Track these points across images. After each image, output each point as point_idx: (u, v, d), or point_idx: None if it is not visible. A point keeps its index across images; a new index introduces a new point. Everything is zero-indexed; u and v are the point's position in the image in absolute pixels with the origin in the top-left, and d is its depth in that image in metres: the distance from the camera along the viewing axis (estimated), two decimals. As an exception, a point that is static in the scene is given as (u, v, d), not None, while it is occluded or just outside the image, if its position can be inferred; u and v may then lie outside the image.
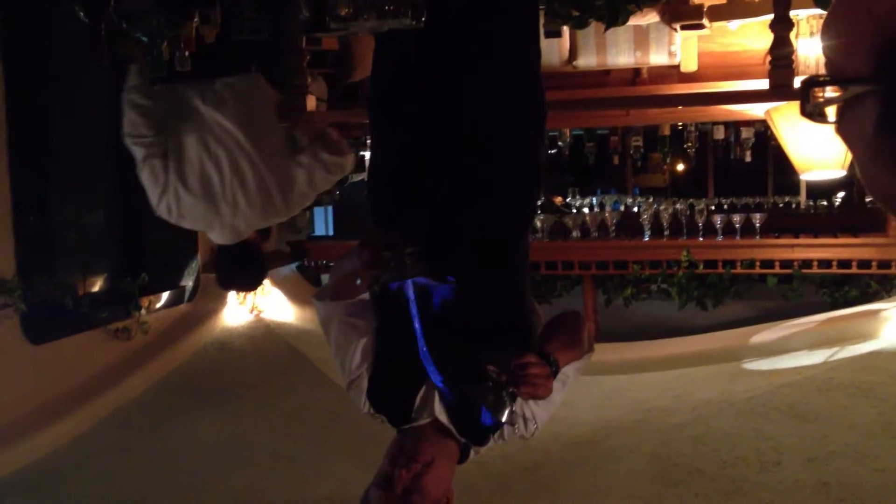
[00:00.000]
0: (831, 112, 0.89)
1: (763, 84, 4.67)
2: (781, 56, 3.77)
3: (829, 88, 0.89)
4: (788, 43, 3.81)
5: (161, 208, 3.75)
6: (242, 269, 3.97)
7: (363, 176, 7.95)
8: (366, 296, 2.18)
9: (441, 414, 2.19)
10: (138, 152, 3.60)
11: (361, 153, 7.60)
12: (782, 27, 3.80)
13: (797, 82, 3.86)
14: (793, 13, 4.04)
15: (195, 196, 3.65)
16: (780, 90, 3.81)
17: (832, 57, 0.91)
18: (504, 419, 2.05)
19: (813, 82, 0.92)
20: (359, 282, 2.10)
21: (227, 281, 4.23)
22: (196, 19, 3.66)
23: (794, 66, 3.86)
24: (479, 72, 2.30)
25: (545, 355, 2.11)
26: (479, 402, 2.06)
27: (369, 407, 2.29)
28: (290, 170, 3.73)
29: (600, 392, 4.84)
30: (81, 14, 3.46)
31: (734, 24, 5.23)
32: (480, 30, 2.30)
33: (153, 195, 3.70)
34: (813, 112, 0.90)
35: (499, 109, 2.30)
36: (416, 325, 2.13)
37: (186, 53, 3.77)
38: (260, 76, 3.90)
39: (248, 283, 4.31)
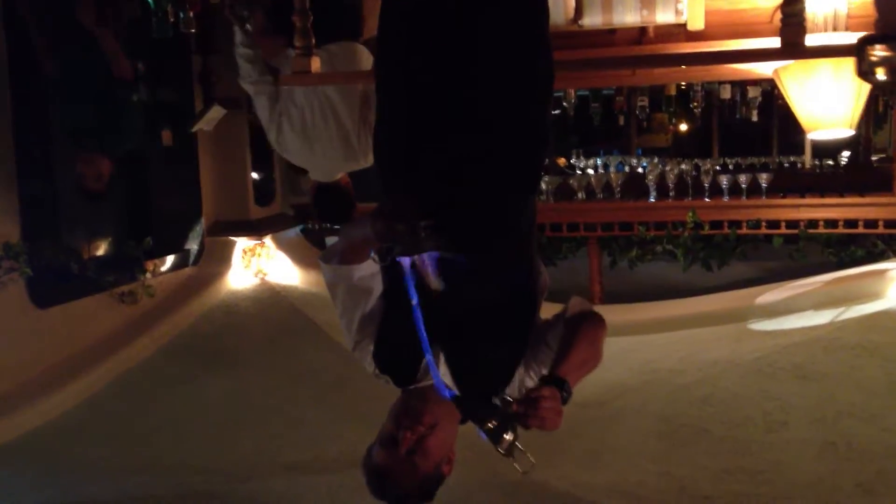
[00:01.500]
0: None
1: (771, 42, 4.61)
2: (792, 13, 3.71)
3: (879, 47, 0.87)
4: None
5: (271, 138, 4.39)
6: (334, 205, 4.56)
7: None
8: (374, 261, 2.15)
9: (446, 376, 2.19)
10: (249, 89, 4.31)
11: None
12: (793, -16, 3.74)
13: (808, 40, 3.81)
14: (803, -31, 3.97)
15: (295, 133, 4.27)
16: (791, 48, 3.75)
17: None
18: (502, 450, 2.01)
19: (870, 40, 0.89)
20: (373, 254, 2.04)
21: (323, 214, 5.20)
22: (200, -21, 3.63)
23: (804, 23, 3.79)
24: (486, 30, 2.26)
25: (560, 381, 2.05)
26: (479, 427, 2.01)
27: (374, 368, 2.28)
28: (364, 122, 4.31)
29: (607, 353, 4.76)
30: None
31: (741, -18, 5.17)
32: None
33: (265, 127, 4.37)
34: (868, 71, 0.88)
35: (507, 68, 2.26)
36: (415, 304, 2.08)
37: (191, 14, 3.73)
38: (353, 45, 4.51)
39: (339, 217, 4.82)
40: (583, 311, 2.30)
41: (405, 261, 2.03)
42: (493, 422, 1.97)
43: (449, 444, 2.17)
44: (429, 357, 2.08)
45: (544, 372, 2.17)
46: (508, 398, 2.01)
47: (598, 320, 2.30)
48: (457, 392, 2.11)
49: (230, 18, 4.12)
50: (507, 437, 1.97)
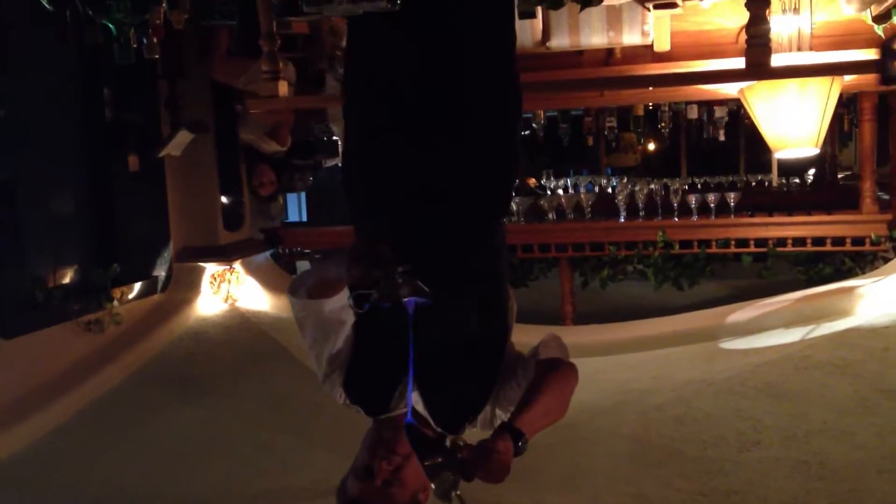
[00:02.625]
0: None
1: (737, 62, 4.66)
2: (758, 34, 3.76)
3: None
4: (765, 20, 3.80)
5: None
6: None
7: (336, 161, 7.91)
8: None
9: (418, 403, 2.16)
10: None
11: (334, 138, 7.55)
12: (758, 4, 3.78)
13: (773, 60, 3.85)
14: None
15: None
16: (756, 68, 3.79)
17: None
18: (438, 492, 1.97)
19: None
20: (349, 301, 2.01)
21: None
22: (164, 4, 3.59)
23: (770, 44, 3.84)
24: (455, 54, 2.26)
25: (517, 433, 2.01)
26: (422, 462, 1.99)
27: (345, 398, 2.26)
28: None
29: (580, 374, 4.82)
30: (45, 1, 3.38)
31: (707, 3, 5.23)
32: (456, 11, 2.26)
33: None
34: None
35: (477, 92, 2.26)
36: (411, 350, 2.08)
37: (155, 40, 3.70)
38: None
39: None
40: (556, 359, 2.26)
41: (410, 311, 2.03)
42: (439, 460, 1.95)
43: (423, 473, 2.14)
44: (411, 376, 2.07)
45: (510, 412, 2.15)
46: (461, 442, 1.99)
47: (570, 371, 2.26)
48: (415, 421, 2.09)
49: None
50: (448, 479, 1.96)
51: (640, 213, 6.16)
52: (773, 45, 4.36)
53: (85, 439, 4.40)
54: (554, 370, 2.20)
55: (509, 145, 2.35)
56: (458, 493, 1.97)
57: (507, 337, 2.32)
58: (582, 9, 4.25)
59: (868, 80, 4.93)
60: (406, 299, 1.94)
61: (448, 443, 2.00)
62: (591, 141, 9.02)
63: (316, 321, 2.20)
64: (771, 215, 5.95)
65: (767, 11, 4.06)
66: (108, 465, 4.16)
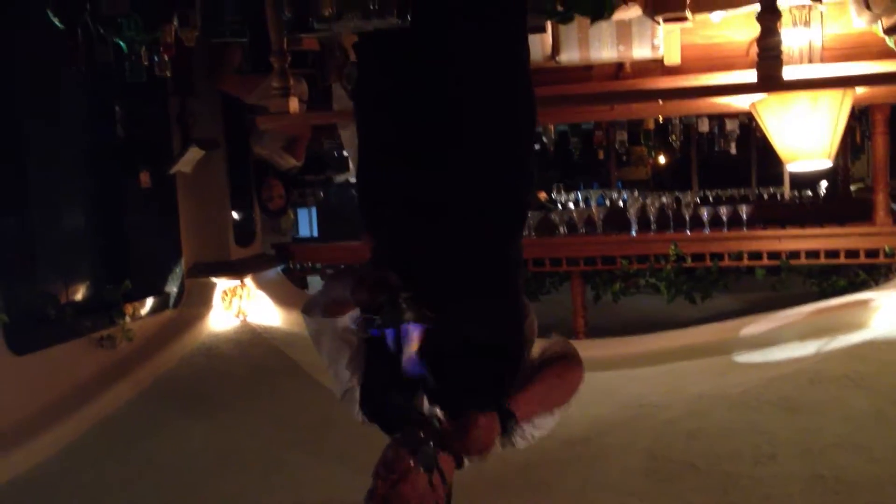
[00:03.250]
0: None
1: (747, 76, 4.65)
2: (769, 47, 3.75)
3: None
4: (776, 33, 3.78)
5: None
6: None
7: (346, 177, 7.93)
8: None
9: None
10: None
11: (345, 153, 7.57)
12: (770, 17, 3.77)
13: (785, 73, 3.84)
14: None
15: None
16: (768, 81, 3.78)
17: None
18: (423, 468, 1.97)
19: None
20: (353, 325, 2.03)
21: None
22: (175, 22, 3.60)
23: (781, 56, 3.83)
24: (468, 68, 2.25)
25: (505, 413, 2.02)
26: (402, 430, 1.99)
27: (363, 416, 2.25)
28: None
29: (592, 388, 4.75)
30: (56, 20, 3.39)
31: (717, 16, 5.22)
32: (468, 26, 2.25)
33: None
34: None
35: (490, 107, 2.25)
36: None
37: (166, 58, 3.71)
38: None
39: None
40: (559, 352, 2.27)
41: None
42: (419, 431, 1.97)
43: (428, 489, 2.12)
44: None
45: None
46: (440, 414, 1.98)
47: (572, 359, 2.27)
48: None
49: None
50: (429, 452, 1.96)
51: (652, 227, 6.14)
52: (784, 57, 4.35)
53: (96, 456, 4.40)
54: (556, 360, 2.21)
55: (522, 164, 2.34)
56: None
57: (524, 351, 2.31)
58: (592, 23, 4.25)
59: (880, 92, 4.92)
60: (410, 324, 1.96)
61: (427, 411, 1.99)
62: (601, 155, 9.02)
63: (332, 337, 2.21)
64: (784, 228, 5.92)
65: (778, 24, 4.05)
66: (119, 482, 4.15)
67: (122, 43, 3.43)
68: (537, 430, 2.18)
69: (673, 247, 5.91)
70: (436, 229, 2.18)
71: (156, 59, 3.67)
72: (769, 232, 5.89)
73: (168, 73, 3.77)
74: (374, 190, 2.38)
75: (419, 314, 1.98)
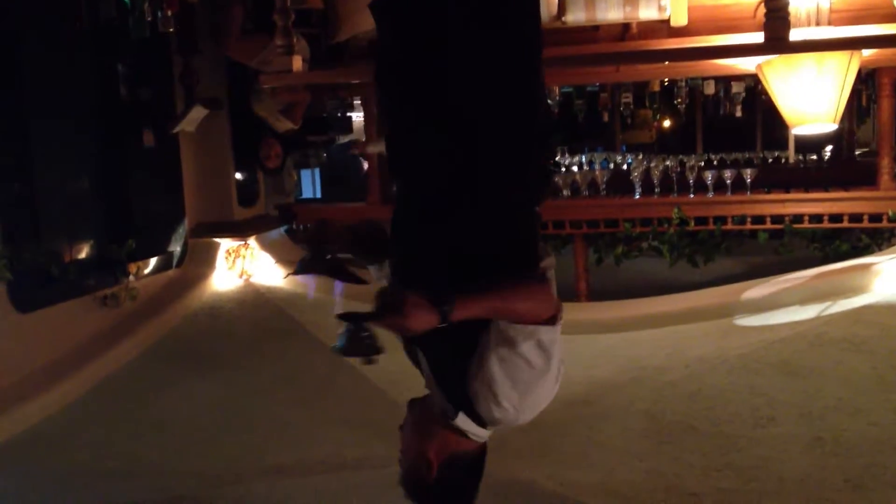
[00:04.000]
0: None
1: (754, 37, 4.62)
2: (776, 8, 3.71)
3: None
4: (783, -6, 3.75)
5: None
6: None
7: (350, 137, 7.91)
8: None
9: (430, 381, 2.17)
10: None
11: (348, 114, 7.54)
12: (776, -21, 3.74)
13: (792, 35, 3.80)
14: (785, -36, 3.97)
15: None
16: (775, 43, 3.75)
17: None
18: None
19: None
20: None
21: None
22: (178, -22, 3.58)
23: (788, 18, 3.79)
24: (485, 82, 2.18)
25: (441, 299, 1.92)
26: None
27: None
28: None
29: (593, 351, 4.83)
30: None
31: (724, -23, 5.18)
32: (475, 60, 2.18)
33: None
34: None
35: (507, 113, 2.19)
36: None
37: (169, 13, 3.69)
38: None
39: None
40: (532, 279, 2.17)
41: None
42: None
43: (418, 447, 2.16)
44: None
45: None
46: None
47: (538, 288, 2.09)
48: None
49: None
50: (365, 338, 1.93)
51: (656, 190, 6.13)
52: (791, 19, 4.32)
53: (100, 414, 4.44)
54: (522, 282, 2.07)
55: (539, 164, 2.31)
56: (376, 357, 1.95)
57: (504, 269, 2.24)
58: (598, -17, 4.21)
59: (887, 55, 4.88)
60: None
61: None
62: (606, 117, 8.96)
63: None
64: (788, 192, 5.90)
65: (785, -15, 4.02)
66: (123, 440, 4.19)
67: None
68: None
69: (676, 210, 5.90)
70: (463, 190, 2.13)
71: (159, 14, 3.64)
72: (772, 196, 5.88)
73: (171, 30, 3.75)
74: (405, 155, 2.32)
75: (336, 270, 2.19)
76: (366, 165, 6.93)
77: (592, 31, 5.70)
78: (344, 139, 8.01)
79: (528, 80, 2.24)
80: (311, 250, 2.28)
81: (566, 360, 2.14)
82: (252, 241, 6.30)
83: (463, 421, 2.12)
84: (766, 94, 5.12)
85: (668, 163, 6.33)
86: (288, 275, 2.27)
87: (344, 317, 1.91)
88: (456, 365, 2.09)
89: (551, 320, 2.04)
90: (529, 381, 2.05)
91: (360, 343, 1.91)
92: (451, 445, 2.14)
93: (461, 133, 2.12)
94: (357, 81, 5.90)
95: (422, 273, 2.12)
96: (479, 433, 2.14)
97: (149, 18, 3.51)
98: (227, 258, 6.15)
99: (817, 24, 4.87)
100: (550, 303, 2.06)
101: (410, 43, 2.20)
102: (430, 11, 2.15)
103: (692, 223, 5.95)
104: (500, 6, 2.15)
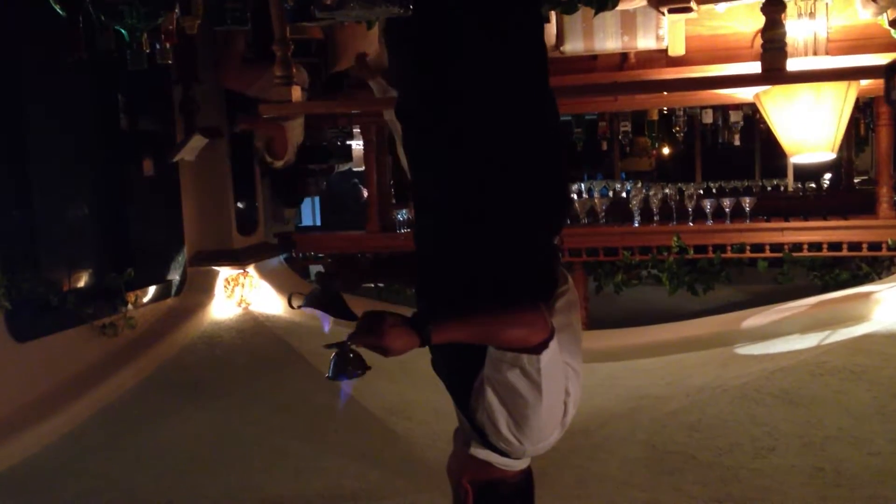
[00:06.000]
0: None
1: (752, 67, 4.63)
2: (774, 38, 3.72)
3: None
4: (781, 24, 3.76)
5: None
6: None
7: (349, 165, 7.92)
8: None
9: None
10: None
11: (348, 142, 7.56)
12: (774, 9, 3.75)
13: (789, 64, 3.82)
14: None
15: None
16: (772, 73, 3.76)
17: None
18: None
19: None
20: None
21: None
22: (176, 10, 3.58)
23: (785, 48, 3.81)
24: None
25: (420, 325, 1.93)
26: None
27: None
28: None
29: (593, 380, 4.81)
30: (58, 7, 3.38)
31: (721, 7, 5.19)
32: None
33: None
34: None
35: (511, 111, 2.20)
36: None
37: (168, 45, 3.70)
38: None
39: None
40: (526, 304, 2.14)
41: None
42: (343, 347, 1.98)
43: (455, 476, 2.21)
44: None
45: None
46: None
47: (526, 315, 2.03)
48: None
49: None
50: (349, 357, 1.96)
51: (655, 218, 6.14)
52: (789, 49, 4.33)
53: (98, 443, 4.41)
54: (510, 307, 2.04)
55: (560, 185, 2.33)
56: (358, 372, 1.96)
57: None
58: (596, 13, 4.23)
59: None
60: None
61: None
62: (605, 145, 9.00)
63: None
64: (787, 220, 5.91)
65: (783, 15, 4.03)
66: (121, 469, 4.17)
67: (123, 31, 3.41)
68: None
69: (675, 238, 5.90)
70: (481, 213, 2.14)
71: (157, 46, 3.65)
72: (772, 224, 5.89)
73: (169, 61, 3.75)
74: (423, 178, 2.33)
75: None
76: (365, 193, 6.94)
77: (591, 61, 5.73)
78: (343, 167, 8.04)
79: (544, 105, 2.28)
80: (320, 284, 2.34)
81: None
82: (251, 269, 6.29)
83: (479, 450, 2.11)
84: (765, 122, 5.13)
85: (667, 191, 6.33)
86: (299, 306, 2.24)
87: (331, 346, 1.95)
88: (468, 395, 2.09)
89: (539, 347, 1.99)
90: (523, 411, 2.02)
91: (346, 365, 1.94)
92: (483, 473, 2.13)
93: (480, 159, 2.14)
94: (356, 112, 5.92)
95: (444, 297, 2.15)
96: (502, 462, 2.12)
97: (147, 51, 3.51)
98: (226, 287, 6.14)
99: (815, 53, 4.89)
100: (540, 329, 2.01)
101: (426, 72, 2.23)
102: (443, 42, 2.17)
103: (691, 251, 5.96)
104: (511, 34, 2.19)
